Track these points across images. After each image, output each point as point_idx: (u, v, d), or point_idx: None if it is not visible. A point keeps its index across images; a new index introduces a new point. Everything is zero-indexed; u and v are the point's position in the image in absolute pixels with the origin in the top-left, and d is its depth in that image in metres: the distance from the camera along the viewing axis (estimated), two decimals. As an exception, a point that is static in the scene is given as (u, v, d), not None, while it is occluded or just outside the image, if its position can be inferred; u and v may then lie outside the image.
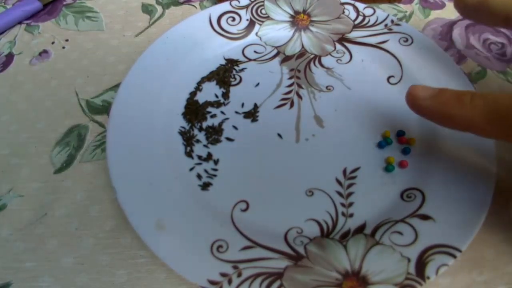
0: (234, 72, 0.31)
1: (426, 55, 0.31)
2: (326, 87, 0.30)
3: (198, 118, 0.29)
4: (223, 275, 0.21)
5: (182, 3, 0.38)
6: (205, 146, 0.27)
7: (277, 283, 0.21)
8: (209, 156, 0.27)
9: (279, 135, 0.28)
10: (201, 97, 0.30)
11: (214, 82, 0.31)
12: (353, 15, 0.33)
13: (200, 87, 0.30)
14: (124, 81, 0.28)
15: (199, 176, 0.26)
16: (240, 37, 0.33)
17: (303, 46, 0.33)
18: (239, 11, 0.33)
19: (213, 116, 0.29)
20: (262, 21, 0.33)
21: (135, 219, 0.23)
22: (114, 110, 0.27)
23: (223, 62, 0.32)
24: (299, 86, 0.30)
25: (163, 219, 0.23)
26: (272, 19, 0.33)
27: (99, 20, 0.37)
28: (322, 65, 0.31)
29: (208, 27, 0.32)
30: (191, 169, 0.26)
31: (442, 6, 0.37)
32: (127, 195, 0.24)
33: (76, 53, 0.34)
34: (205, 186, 0.26)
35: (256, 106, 0.29)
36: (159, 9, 0.38)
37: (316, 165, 0.27)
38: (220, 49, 0.32)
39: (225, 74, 0.31)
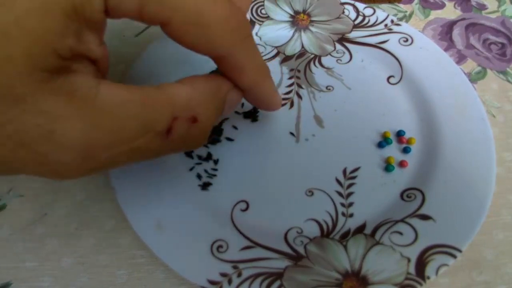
0: (234, 72, 0.31)
1: (426, 55, 0.30)
2: (326, 87, 0.30)
3: (198, 118, 0.29)
4: (223, 275, 0.21)
5: (182, 3, 0.38)
6: (205, 146, 0.27)
7: (277, 283, 0.21)
8: (209, 156, 0.27)
9: (279, 135, 0.28)
10: (201, 97, 0.30)
11: (214, 82, 0.30)
12: (353, 15, 0.33)
13: (200, 87, 0.30)
14: (124, 81, 0.28)
15: (199, 176, 0.26)
16: (240, 37, 0.33)
17: (303, 46, 0.33)
18: (239, 11, 0.33)
19: (213, 116, 0.29)
20: (262, 21, 0.33)
21: (135, 219, 0.23)
22: (114, 110, 0.27)
23: (223, 62, 0.32)
24: (299, 86, 0.30)
25: (163, 219, 0.23)
26: (272, 19, 0.33)
27: (99, 20, 0.37)
28: (322, 65, 0.31)
29: (208, 27, 0.32)
30: (191, 169, 0.26)
31: (442, 6, 0.37)
32: (127, 195, 0.24)
33: (76, 53, 0.34)
34: (205, 186, 0.25)
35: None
36: (159, 9, 0.38)
37: (316, 165, 0.27)
38: (220, 49, 0.32)
39: (225, 74, 0.31)
